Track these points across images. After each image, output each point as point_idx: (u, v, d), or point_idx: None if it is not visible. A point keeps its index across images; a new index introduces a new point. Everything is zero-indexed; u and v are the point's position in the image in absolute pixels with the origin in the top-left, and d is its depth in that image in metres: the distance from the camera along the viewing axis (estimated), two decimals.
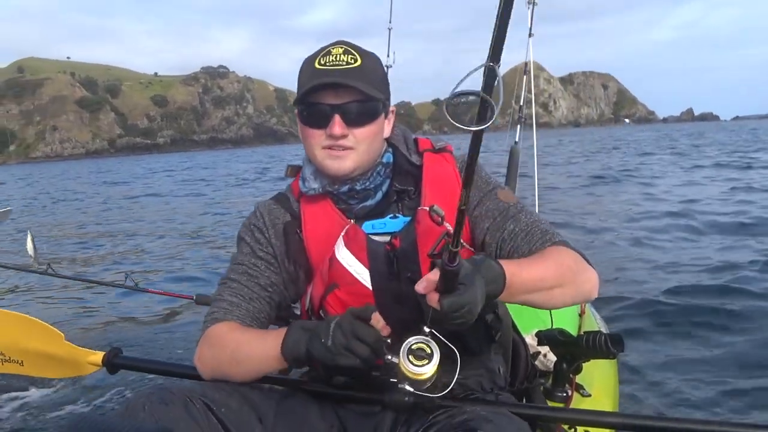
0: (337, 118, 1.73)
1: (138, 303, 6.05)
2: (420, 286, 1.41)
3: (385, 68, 1.97)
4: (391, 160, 1.91)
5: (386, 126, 1.89)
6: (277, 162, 50.13)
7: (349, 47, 1.79)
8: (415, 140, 1.97)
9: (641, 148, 42.25)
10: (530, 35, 5.21)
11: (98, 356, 2.40)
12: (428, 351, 1.41)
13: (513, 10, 1.05)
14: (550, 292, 1.63)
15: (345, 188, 1.82)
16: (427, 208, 1.69)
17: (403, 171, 1.90)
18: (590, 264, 1.75)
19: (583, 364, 2.23)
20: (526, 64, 5.22)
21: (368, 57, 1.81)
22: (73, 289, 6.47)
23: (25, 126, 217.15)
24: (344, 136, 1.75)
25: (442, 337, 1.50)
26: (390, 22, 5.21)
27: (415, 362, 1.40)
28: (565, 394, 2.25)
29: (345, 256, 1.76)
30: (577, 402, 2.28)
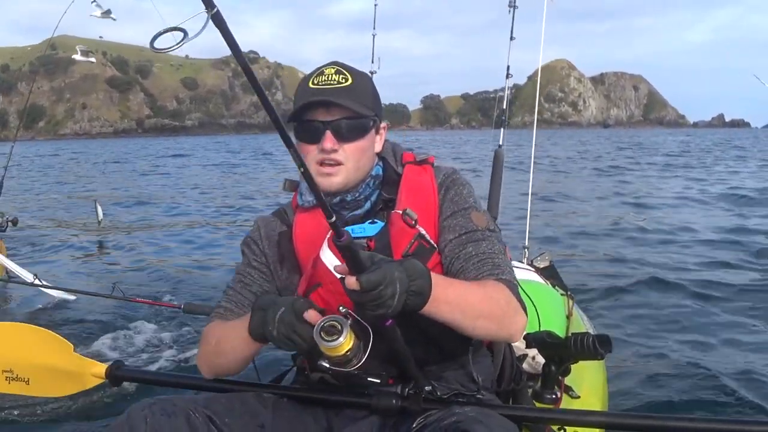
0: (328, 133, 1.86)
1: (126, 312, 6.05)
2: (338, 268, 1.53)
3: (370, 73, 2.10)
4: (381, 172, 2.04)
5: (377, 141, 2.02)
6: None
7: (342, 68, 1.92)
8: (402, 154, 2.09)
9: None
10: (511, 38, 5.11)
11: (101, 368, 2.45)
12: (339, 327, 1.51)
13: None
14: (474, 320, 1.72)
15: (336, 200, 1.95)
16: (401, 212, 1.85)
17: (390, 181, 2.01)
18: (523, 309, 1.86)
19: (572, 365, 2.27)
20: (507, 67, 5.14)
21: (359, 76, 1.94)
22: (58, 299, 6.45)
23: (55, 103, 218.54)
24: (335, 151, 1.86)
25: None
26: (374, 28, 5.25)
27: (326, 338, 1.50)
28: (554, 396, 2.29)
29: (328, 257, 1.84)
30: (567, 403, 2.32)
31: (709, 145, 51.87)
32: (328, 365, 1.55)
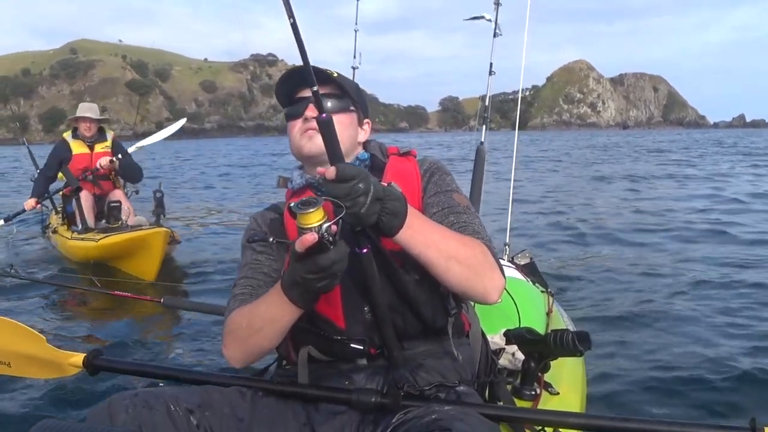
0: (311, 105, 1.99)
1: (105, 305, 6.10)
2: (320, 169, 1.60)
3: (352, 69, 2.22)
4: (367, 157, 2.15)
5: (360, 132, 2.18)
6: None
7: (330, 70, 2.08)
8: (387, 148, 2.22)
9: None
10: (495, 35, 5.08)
11: (79, 358, 2.45)
12: (314, 201, 1.57)
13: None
14: (448, 260, 1.76)
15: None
16: (386, 184, 1.86)
17: (377, 168, 2.10)
18: (501, 272, 1.88)
19: (551, 362, 2.30)
20: (491, 64, 5.12)
21: (347, 78, 2.13)
22: (39, 291, 6.51)
23: (76, 106, 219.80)
24: (315, 118, 1.89)
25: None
26: (356, 24, 5.17)
27: (302, 207, 1.55)
28: (533, 393, 2.32)
29: None
30: (546, 400, 2.34)
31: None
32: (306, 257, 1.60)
